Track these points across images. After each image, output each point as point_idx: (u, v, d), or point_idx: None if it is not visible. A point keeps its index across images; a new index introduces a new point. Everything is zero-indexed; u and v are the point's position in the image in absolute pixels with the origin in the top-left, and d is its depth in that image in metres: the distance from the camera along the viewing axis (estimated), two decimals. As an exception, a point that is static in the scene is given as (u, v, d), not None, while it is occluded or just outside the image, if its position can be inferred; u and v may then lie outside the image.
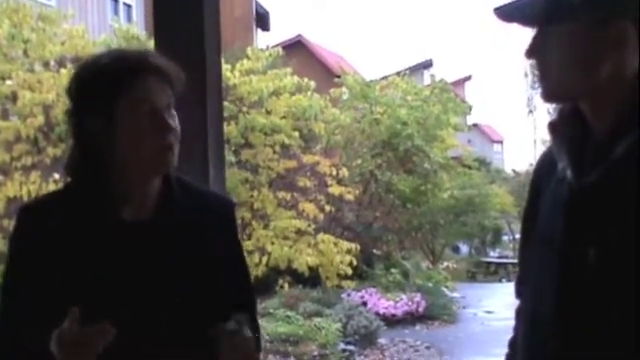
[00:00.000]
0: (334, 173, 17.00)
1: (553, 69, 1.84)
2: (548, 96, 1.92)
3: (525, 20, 1.92)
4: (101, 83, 2.15)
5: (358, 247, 16.17)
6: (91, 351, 1.99)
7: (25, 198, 11.78)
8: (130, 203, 2.22)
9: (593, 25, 1.74)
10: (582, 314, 1.78)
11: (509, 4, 1.87)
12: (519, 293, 2.16)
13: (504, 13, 1.86)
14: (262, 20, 31.75)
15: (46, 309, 2.09)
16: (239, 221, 14.96)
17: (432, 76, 25.23)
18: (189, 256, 2.25)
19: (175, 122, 2.20)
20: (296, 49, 30.09)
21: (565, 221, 1.85)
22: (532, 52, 1.87)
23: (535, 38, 1.86)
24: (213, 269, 2.24)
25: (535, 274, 1.96)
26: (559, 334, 1.83)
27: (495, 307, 18.84)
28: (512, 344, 2.19)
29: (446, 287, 21.18)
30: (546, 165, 2.03)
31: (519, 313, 2.15)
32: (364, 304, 16.66)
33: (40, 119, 12.53)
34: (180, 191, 2.30)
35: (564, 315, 1.82)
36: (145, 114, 2.14)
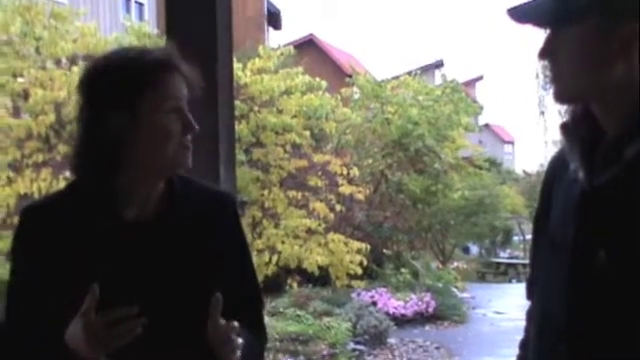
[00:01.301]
0: (345, 173, 17.02)
1: (565, 70, 1.83)
2: (560, 97, 1.92)
3: (538, 21, 1.91)
4: (127, 76, 2.12)
5: (368, 247, 16.18)
6: (118, 339, 1.98)
7: (36, 195, 11.84)
8: (132, 203, 2.20)
9: (604, 26, 1.74)
10: (592, 316, 1.78)
11: (522, 5, 1.86)
12: (530, 294, 2.14)
13: (517, 14, 1.86)
14: (274, 19, 31.80)
15: (50, 309, 2.08)
16: (250, 220, 15.00)
17: (443, 76, 25.12)
18: (192, 255, 2.23)
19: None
20: (307, 48, 30.12)
21: (576, 222, 1.85)
22: (545, 53, 1.87)
23: (548, 39, 1.86)
24: (217, 268, 2.23)
25: (546, 275, 1.96)
26: (569, 335, 1.83)
27: (505, 308, 18.84)
28: (523, 345, 2.18)
29: (456, 287, 21.19)
30: (558, 166, 2.02)
31: (530, 314, 2.14)
32: (374, 304, 16.66)
33: (51, 117, 12.57)
34: (182, 189, 2.29)
35: (574, 316, 1.82)
36: (171, 112, 2.13)
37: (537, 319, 2.02)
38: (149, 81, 2.12)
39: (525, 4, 1.86)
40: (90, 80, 2.19)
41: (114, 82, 2.13)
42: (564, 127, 1.93)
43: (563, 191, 1.95)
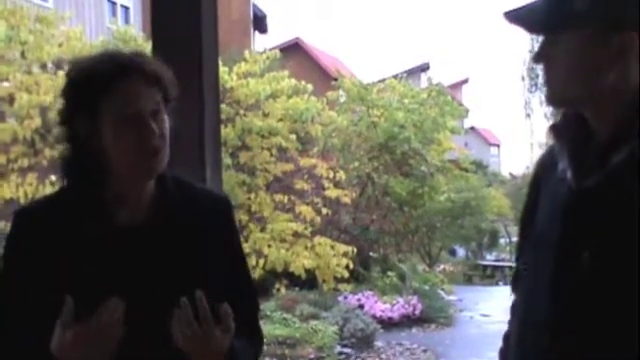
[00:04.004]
0: (331, 176, 17.05)
1: (558, 75, 1.86)
2: (552, 101, 1.94)
3: (533, 26, 1.94)
4: (87, 83, 2.12)
5: (355, 250, 16.20)
6: (111, 337, 1.99)
7: (22, 200, 11.80)
8: (124, 207, 2.19)
9: (598, 33, 1.76)
10: (575, 313, 1.81)
11: (519, 9, 1.88)
12: (515, 288, 2.18)
13: (513, 17, 1.88)
14: (259, 23, 31.76)
15: (41, 315, 2.05)
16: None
17: (429, 79, 25.13)
18: (185, 260, 2.21)
19: (162, 126, 2.16)
20: (293, 52, 30.14)
21: (562, 222, 1.87)
22: (540, 57, 1.90)
23: (543, 44, 1.89)
24: (211, 272, 2.22)
25: (531, 272, 1.98)
26: (552, 331, 1.85)
27: (492, 310, 18.85)
28: (506, 338, 2.21)
29: (443, 290, 21.20)
30: (546, 165, 2.05)
31: (514, 308, 2.17)
32: (361, 307, 16.64)
33: (37, 121, 12.53)
34: (176, 192, 2.27)
35: (558, 313, 1.84)
36: (127, 117, 2.10)
37: (520, 314, 2.05)
38: (107, 86, 2.11)
39: (522, 8, 1.88)
40: (63, 85, 2.20)
41: (77, 88, 2.15)
42: (555, 128, 1.95)
43: (550, 190, 1.97)
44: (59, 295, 2.00)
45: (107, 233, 2.16)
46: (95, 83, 2.11)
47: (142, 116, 2.12)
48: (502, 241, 33.62)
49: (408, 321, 17.43)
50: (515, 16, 1.88)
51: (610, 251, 1.75)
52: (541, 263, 1.92)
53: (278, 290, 16.40)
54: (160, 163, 2.17)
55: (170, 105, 2.22)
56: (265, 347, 12.62)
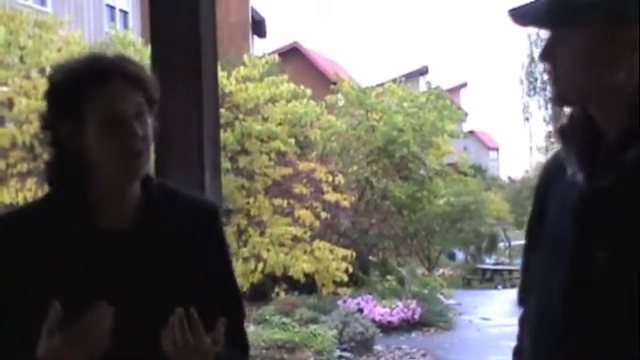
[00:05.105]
0: (330, 180, 17.07)
1: (566, 72, 1.83)
2: (560, 100, 1.92)
3: (539, 22, 1.92)
4: (70, 86, 2.12)
5: (354, 254, 16.22)
6: (97, 341, 1.98)
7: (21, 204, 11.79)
8: (108, 211, 2.18)
9: (606, 28, 1.74)
10: (592, 316, 1.79)
11: (523, 6, 1.86)
12: (522, 301, 2.14)
13: (518, 15, 1.86)
14: (258, 27, 31.81)
15: (25, 321, 2.04)
16: (235, 228, 14.99)
17: (428, 83, 25.16)
18: (171, 265, 2.19)
19: (145, 129, 2.14)
20: (292, 56, 30.17)
21: (575, 225, 1.85)
22: (546, 55, 1.87)
23: (549, 41, 1.86)
24: (197, 278, 2.20)
25: (543, 277, 1.96)
26: (569, 336, 1.84)
27: (491, 314, 18.87)
28: (517, 353, 2.17)
29: (442, 294, 21.21)
30: (553, 170, 2.02)
31: (524, 321, 2.13)
32: (360, 311, 16.64)
33: (36, 125, 12.45)
34: (162, 197, 2.26)
35: (574, 317, 1.83)
36: (109, 119, 2.09)
37: (534, 322, 2.01)
38: (89, 89, 2.10)
39: (526, 5, 1.86)
40: (46, 89, 2.21)
41: (59, 91, 2.15)
42: (561, 131, 1.93)
43: (560, 195, 1.94)
44: (44, 299, 1.99)
45: (92, 237, 2.15)
46: (77, 86, 2.10)
47: (125, 118, 2.11)
48: (501, 245, 33.63)
49: (407, 325, 17.42)
50: (522, 14, 1.86)
51: (627, 250, 1.73)
52: (554, 269, 1.89)
53: (277, 294, 16.41)
54: (143, 165, 2.16)
55: (155, 107, 2.21)
56: (264, 351, 12.66)
